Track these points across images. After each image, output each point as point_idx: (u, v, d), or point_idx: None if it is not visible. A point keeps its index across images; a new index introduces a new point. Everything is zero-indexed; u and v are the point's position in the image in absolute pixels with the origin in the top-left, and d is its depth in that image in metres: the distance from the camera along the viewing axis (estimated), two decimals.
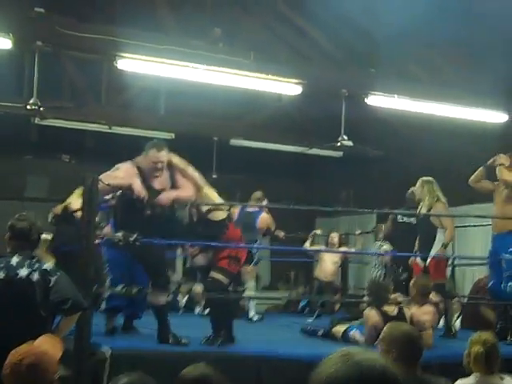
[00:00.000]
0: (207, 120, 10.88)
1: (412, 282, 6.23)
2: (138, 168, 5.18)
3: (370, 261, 11.34)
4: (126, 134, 11.03)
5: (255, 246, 7.67)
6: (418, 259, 6.66)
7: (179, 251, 9.07)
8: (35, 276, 3.62)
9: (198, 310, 9.60)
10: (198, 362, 4.69)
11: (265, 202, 8.18)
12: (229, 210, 5.59)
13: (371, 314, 5.82)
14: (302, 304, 10.37)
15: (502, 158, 6.26)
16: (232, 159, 11.32)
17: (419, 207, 6.79)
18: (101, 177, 4.89)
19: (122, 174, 5.16)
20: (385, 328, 3.41)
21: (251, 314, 8.10)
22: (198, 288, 10.53)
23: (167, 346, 5.22)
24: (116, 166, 5.26)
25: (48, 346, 2.62)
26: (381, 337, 3.33)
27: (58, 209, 6.89)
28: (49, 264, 3.81)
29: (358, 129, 9.64)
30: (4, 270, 3.65)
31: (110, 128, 10.37)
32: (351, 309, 9.79)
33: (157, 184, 5.18)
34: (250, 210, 7.82)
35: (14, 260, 3.69)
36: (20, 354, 2.54)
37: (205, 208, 5.38)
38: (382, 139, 10.93)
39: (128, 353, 4.94)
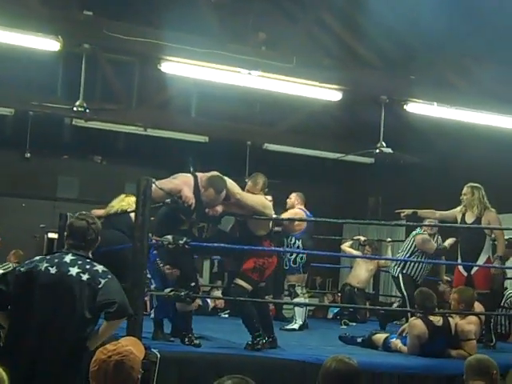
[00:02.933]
0: (242, 124, 10.90)
1: (455, 292, 6.16)
2: (196, 181, 5.21)
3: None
4: (159, 136, 11.10)
5: (288, 250, 7.46)
6: (461, 268, 6.59)
7: None
8: (85, 276, 3.60)
9: (221, 314, 9.62)
10: (243, 367, 4.78)
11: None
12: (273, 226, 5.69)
13: (417, 324, 5.78)
14: (334, 311, 10.33)
15: None
16: (265, 163, 11.33)
17: (461, 213, 6.68)
18: (156, 182, 4.92)
19: (177, 181, 5.19)
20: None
21: (299, 321, 7.48)
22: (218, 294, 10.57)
23: (213, 349, 5.25)
24: (175, 175, 5.29)
25: (132, 345, 2.64)
26: None
27: (100, 212, 6.94)
28: (101, 266, 3.73)
29: (394, 135, 9.63)
30: (56, 266, 3.63)
31: (145, 130, 10.42)
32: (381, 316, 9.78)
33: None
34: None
35: (68, 258, 3.67)
36: (108, 351, 2.55)
37: (252, 222, 5.43)
38: (416, 146, 10.89)
39: (175, 356, 4.96)
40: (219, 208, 5.26)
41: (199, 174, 5.28)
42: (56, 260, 3.66)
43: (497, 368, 3.67)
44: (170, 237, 5.10)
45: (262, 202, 5.46)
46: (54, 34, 6.21)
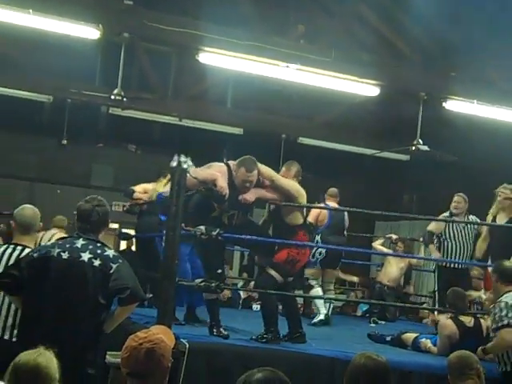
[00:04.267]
0: (277, 117, 10.88)
1: (488, 294, 6.08)
2: (229, 170, 5.21)
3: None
4: (194, 126, 11.14)
5: (319, 245, 7.36)
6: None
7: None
8: (97, 261, 3.60)
9: (255, 306, 9.61)
10: (271, 360, 4.77)
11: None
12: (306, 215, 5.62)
13: (447, 324, 5.70)
14: (363, 308, 10.26)
15: None
16: (299, 157, 11.28)
17: (492, 215, 6.58)
18: (191, 171, 4.92)
19: (212, 170, 5.21)
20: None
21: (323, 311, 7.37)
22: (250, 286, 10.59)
23: (242, 341, 5.25)
24: (209, 164, 5.30)
25: (163, 333, 2.65)
26: None
27: (144, 196, 6.96)
28: (112, 251, 3.74)
29: (431, 133, 9.50)
30: (68, 251, 3.63)
31: (180, 120, 10.47)
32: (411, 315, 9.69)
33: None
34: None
35: (79, 243, 3.67)
36: (139, 338, 2.54)
37: (286, 210, 5.39)
38: (454, 145, 10.73)
39: (203, 346, 4.97)
40: (252, 196, 5.24)
41: (231, 163, 5.29)
42: (68, 245, 3.67)
43: (479, 362, 3.60)
44: (203, 227, 5.10)
45: (297, 187, 5.43)
46: (94, 23, 6.26)
